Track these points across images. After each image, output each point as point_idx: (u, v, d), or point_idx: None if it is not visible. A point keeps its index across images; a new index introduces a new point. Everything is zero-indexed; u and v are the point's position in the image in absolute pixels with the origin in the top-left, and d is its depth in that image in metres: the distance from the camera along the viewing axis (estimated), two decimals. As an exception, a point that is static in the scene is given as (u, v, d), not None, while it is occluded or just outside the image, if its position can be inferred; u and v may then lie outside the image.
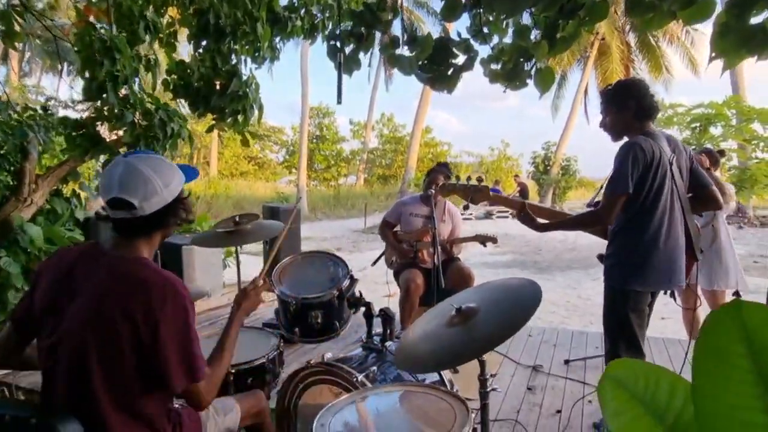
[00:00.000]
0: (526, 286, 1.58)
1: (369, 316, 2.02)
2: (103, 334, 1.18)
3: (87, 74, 3.06)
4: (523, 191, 18.03)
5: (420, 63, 3.10)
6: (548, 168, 20.11)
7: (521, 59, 2.68)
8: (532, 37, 2.64)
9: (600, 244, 2.34)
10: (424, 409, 1.52)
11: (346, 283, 2.01)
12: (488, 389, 1.62)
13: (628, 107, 2.09)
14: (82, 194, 4.64)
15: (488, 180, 20.00)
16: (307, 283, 2.02)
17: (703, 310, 3.07)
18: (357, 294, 2.08)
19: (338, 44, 2.51)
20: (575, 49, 22.17)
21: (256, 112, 4.35)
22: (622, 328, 2.07)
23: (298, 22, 4.40)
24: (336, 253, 2.36)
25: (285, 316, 2.05)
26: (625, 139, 2.14)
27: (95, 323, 1.18)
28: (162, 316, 1.18)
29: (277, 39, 4.44)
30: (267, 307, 3.85)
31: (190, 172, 1.39)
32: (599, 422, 2.61)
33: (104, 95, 3.10)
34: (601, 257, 2.86)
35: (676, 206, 2.08)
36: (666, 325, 4.96)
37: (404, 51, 2.70)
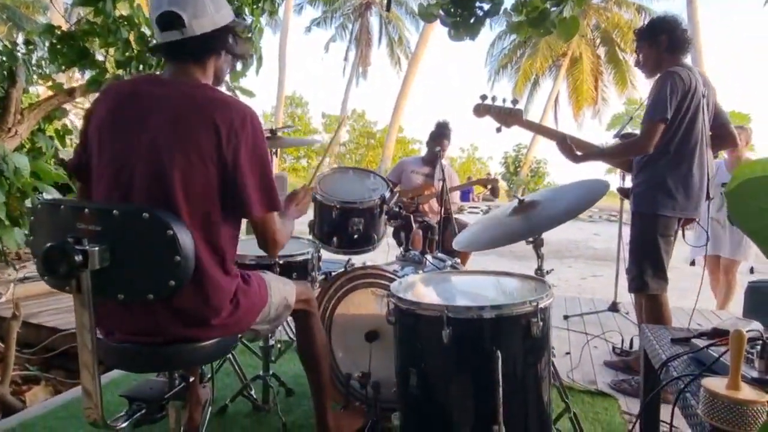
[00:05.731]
0: (592, 181, 1.60)
1: (408, 228, 1.99)
2: (185, 146, 1.10)
3: None
4: (494, 189, 18.35)
5: (444, 7, 3.11)
6: (518, 169, 20.57)
7: (549, 3, 2.73)
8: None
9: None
10: (499, 280, 1.51)
11: (387, 193, 1.98)
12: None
13: (659, 42, 2.16)
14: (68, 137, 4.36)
15: (462, 177, 20.24)
16: (349, 191, 1.97)
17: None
18: (396, 208, 2.05)
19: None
20: (549, 55, 22.84)
21: (255, 61, 4.23)
22: (650, 252, 2.12)
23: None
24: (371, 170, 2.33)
25: (322, 225, 2.00)
26: (659, 74, 2.20)
27: (177, 136, 1.11)
28: (243, 136, 1.13)
29: None
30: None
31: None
32: (612, 383, 2.37)
33: (100, 3, 2.90)
34: (621, 190, 2.95)
35: (706, 139, 2.15)
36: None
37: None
